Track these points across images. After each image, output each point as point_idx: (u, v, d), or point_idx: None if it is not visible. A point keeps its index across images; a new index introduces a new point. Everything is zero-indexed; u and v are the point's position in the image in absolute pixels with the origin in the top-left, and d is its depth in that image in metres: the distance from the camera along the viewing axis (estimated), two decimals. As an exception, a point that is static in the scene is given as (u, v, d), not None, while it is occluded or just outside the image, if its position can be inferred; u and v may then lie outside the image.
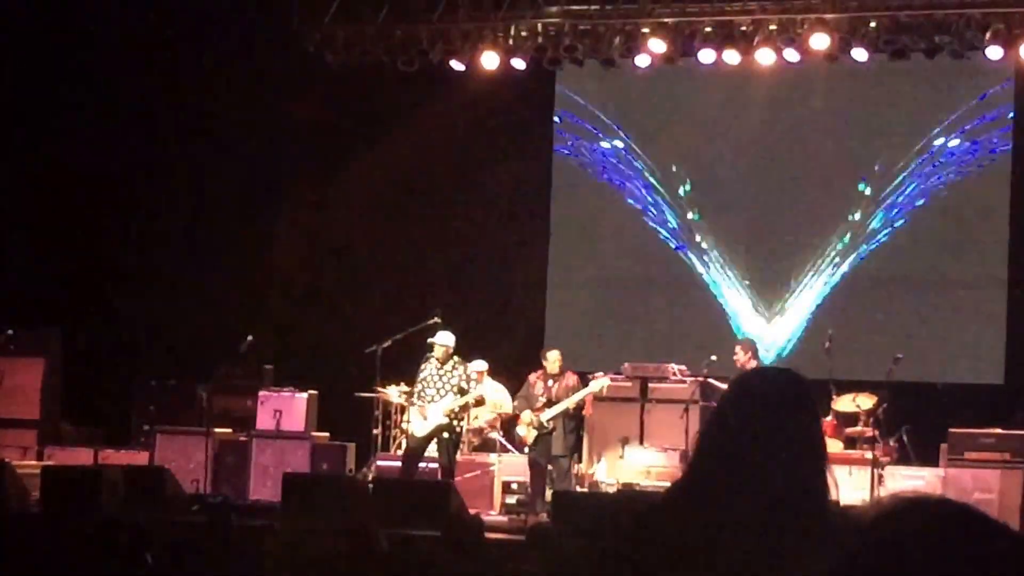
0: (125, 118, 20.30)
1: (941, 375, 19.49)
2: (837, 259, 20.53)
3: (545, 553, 9.20)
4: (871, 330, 19.85)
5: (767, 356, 19.51)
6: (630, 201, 21.43)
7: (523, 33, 19.63)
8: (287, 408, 18.66)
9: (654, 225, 21.32)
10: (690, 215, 21.19)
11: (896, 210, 20.34)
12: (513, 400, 18.02)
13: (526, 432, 17.27)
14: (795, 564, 2.84)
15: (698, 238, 21.13)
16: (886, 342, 18.85)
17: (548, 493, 16.63)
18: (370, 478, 17.39)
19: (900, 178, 20.29)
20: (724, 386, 16.53)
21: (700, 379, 18.00)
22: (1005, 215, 19.77)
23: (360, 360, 17.91)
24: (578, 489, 17.34)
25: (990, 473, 16.51)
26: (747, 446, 3.17)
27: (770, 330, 20.63)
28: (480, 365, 18.15)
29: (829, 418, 16.82)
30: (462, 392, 16.88)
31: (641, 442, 17.91)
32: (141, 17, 19.74)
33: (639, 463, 17.70)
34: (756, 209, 20.96)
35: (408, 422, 17.40)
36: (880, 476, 16.27)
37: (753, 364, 17.00)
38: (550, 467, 17.21)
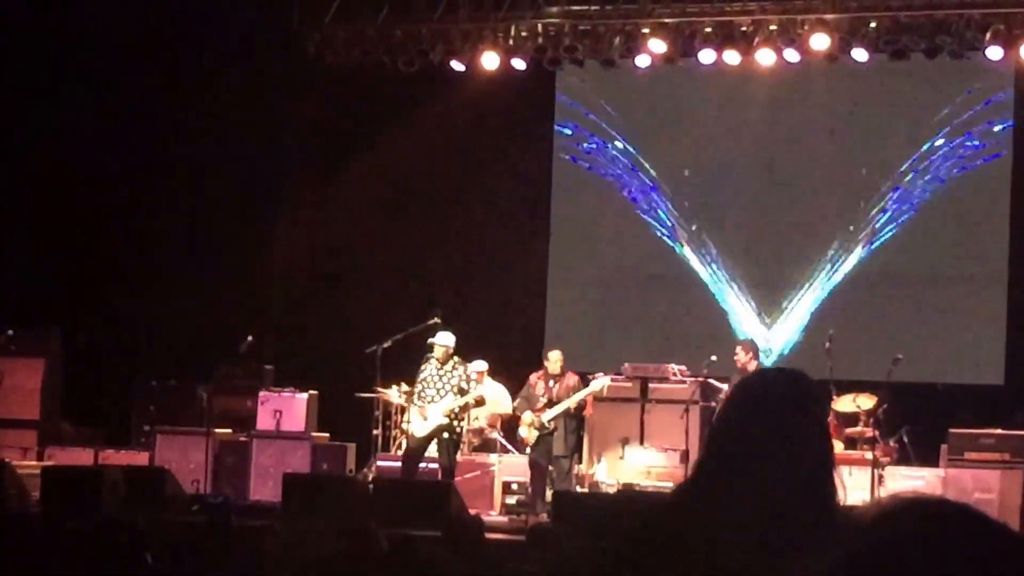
0: (125, 118, 20.29)
1: (941, 375, 19.49)
2: (837, 259, 20.53)
3: (545, 553, 9.20)
4: (871, 330, 19.85)
5: (768, 356, 19.51)
6: (630, 201, 21.42)
7: (523, 33, 19.64)
8: (287, 408, 18.66)
9: (654, 225, 21.32)
10: (690, 215, 21.19)
11: (896, 210, 20.33)
12: (514, 400, 18.03)
13: (528, 433, 17.27)
14: (801, 565, 2.84)
15: (698, 238, 21.12)
16: (886, 342, 18.84)
17: (548, 493, 16.64)
18: (370, 478, 17.40)
19: (900, 179, 20.29)
20: (724, 386, 16.64)
21: (700, 379, 18.01)
22: (1005, 215, 19.77)
23: (360, 360, 17.90)
24: (578, 489, 17.34)
25: (990, 473, 16.51)
26: (754, 447, 3.17)
27: (770, 330, 20.63)
28: (480, 365, 18.15)
29: (829, 418, 16.80)
30: (462, 392, 16.87)
31: (641, 442, 17.91)
32: (141, 17, 19.73)
33: (639, 463, 17.70)
34: (756, 209, 20.95)
35: (408, 422, 17.40)
36: (880, 476, 16.27)
37: (754, 365, 17.00)
38: (551, 467, 17.21)
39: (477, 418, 18.48)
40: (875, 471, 16.19)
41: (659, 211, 21.31)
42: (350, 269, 21.46)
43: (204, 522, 11.08)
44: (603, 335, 21.12)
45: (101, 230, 20.80)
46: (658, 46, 19.14)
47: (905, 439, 17.17)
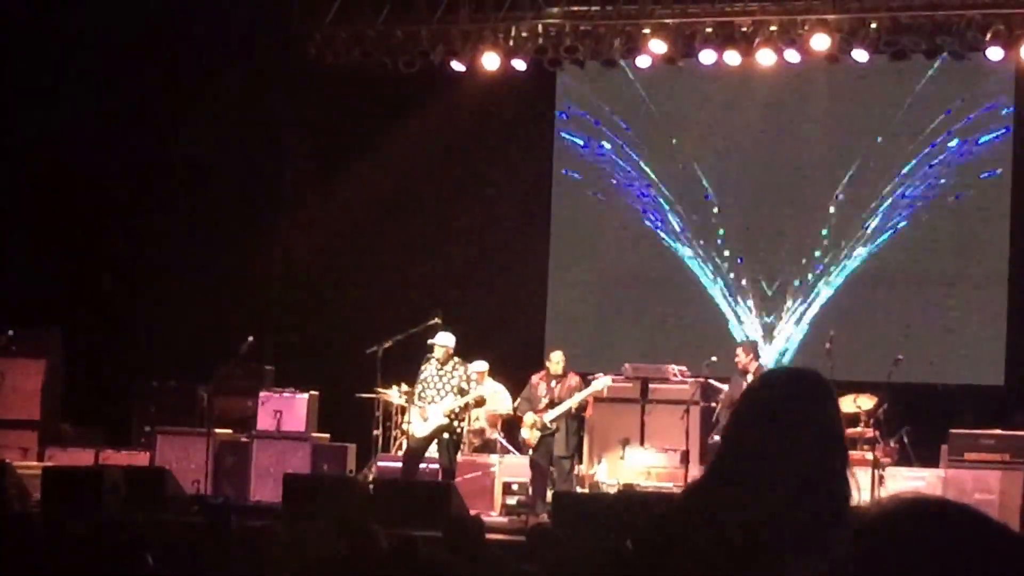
0: (125, 118, 20.28)
1: (941, 376, 19.50)
2: (838, 260, 20.53)
3: (546, 554, 9.20)
4: (872, 331, 19.86)
5: (768, 357, 19.50)
6: (630, 202, 21.42)
7: (524, 34, 19.65)
8: (288, 409, 18.65)
9: (654, 226, 21.32)
10: (690, 216, 21.19)
11: (896, 211, 20.33)
12: (514, 401, 18.03)
13: (530, 434, 17.27)
14: (802, 566, 2.84)
15: (699, 239, 21.12)
16: (887, 343, 18.85)
17: (549, 494, 16.63)
18: (371, 479, 17.40)
19: (900, 179, 20.28)
20: (724, 387, 16.64)
21: (701, 380, 18.02)
22: (1006, 216, 19.77)
23: (361, 361, 17.90)
24: (579, 490, 17.34)
25: (990, 474, 16.52)
26: (768, 447, 3.17)
27: (771, 331, 20.63)
28: (481, 366, 18.15)
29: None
30: (462, 393, 16.87)
31: (642, 443, 17.91)
32: (141, 17, 19.72)
33: (640, 464, 17.70)
34: (756, 210, 20.96)
35: (409, 423, 17.40)
36: (881, 477, 16.28)
37: (755, 366, 17.01)
38: (552, 468, 17.21)
39: (478, 418, 18.48)
40: (875, 472, 16.19)
41: (659, 212, 21.31)
42: (350, 269, 21.46)
43: (204, 523, 11.06)
44: (603, 335, 21.12)
45: (101, 230, 20.80)
46: (659, 47, 19.15)
47: (905, 440, 17.17)
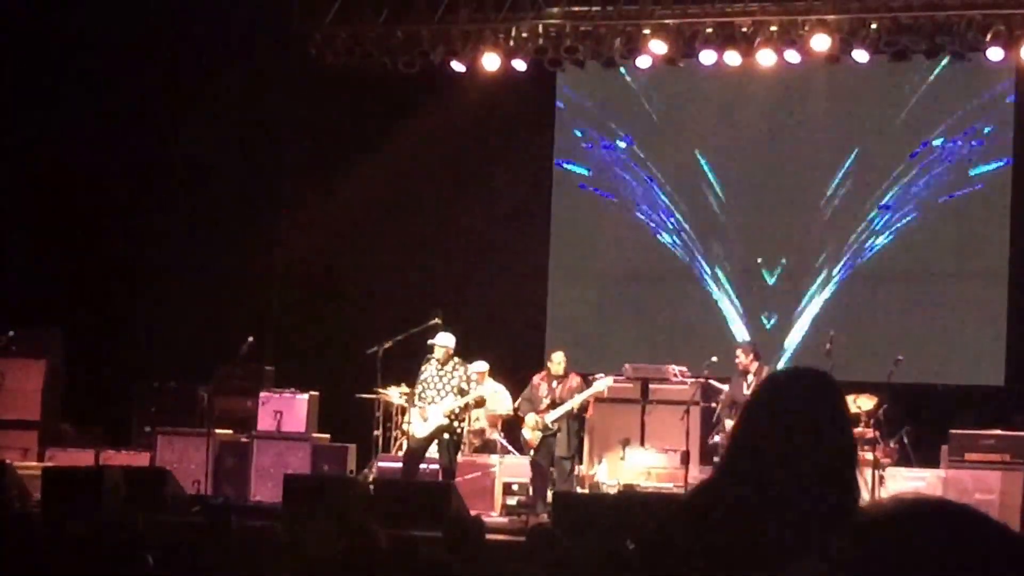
0: (125, 118, 20.29)
1: (942, 376, 19.49)
2: (838, 261, 20.52)
3: (546, 554, 9.19)
4: (872, 331, 19.85)
5: (768, 358, 19.49)
6: (630, 202, 21.42)
7: (524, 34, 19.64)
8: (288, 409, 18.66)
9: (655, 226, 21.32)
10: (691, 216, 21.18)
11: (897, 211, 20.32)
12: (514, 401, 18.03)
13: (531, 435, 17.27)
14: (804, 566, 2.84)
15: (699, 239, 21.12)
16: (887, 344, 18.84)
17: (549, 494, 16.63)
18: (371, 479, 17.40)
19: (900, 179, 20.28)
20: (725, 387, 16.63)
21: (701, 380, 18.02)
22: (1006, 216, 19.77)
23: (361, 361, 17.90)
24: (579, 490, 17.34)
25: (990, 474, 16.52)
26: (776, 446, 3.16)
27: (771, 332, 20.63)
28: (481, 366, 18.15)
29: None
30: (462, 393, 16.87)
31: (642, 443, 17.90)
32: (141, 17, 19.73)
33: (640, 464, 17.70)
34: (757, 210, 20.95)
35: (409, 423, 17.39)
36: (881, 477, 16.28)
37: (755, 366, 17.03)
38: (552, 469, 17.21)
39: (478, 419, 18.48)
40: (876, 472, 16.19)
41: (660, 212, 21.30)
42: (351, 270, 21.46)
43: (204, 523, 11.06)
44: (604, 336, 21.12)
45: (101, 230, 20.80)
46: (659, 47, 19.14)
47: (905, 440, 17.17)
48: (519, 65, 19.85)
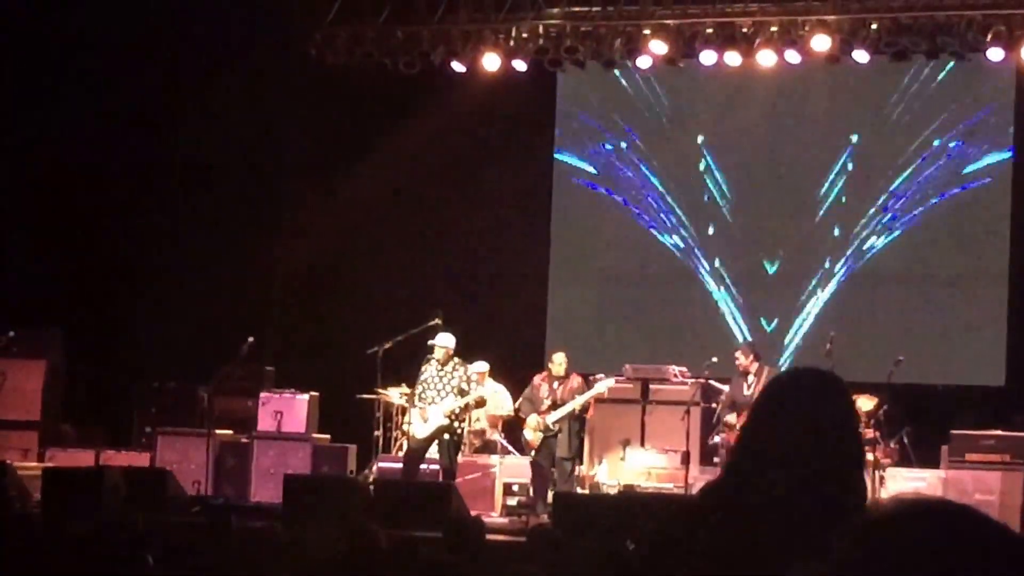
0: (125, 118, 20.29)
1: (942, 377, 19.49)
2: (838, 261, 20.53)
3: (546, 555, 9.19)
4: (872, 332, 19.86)
5: (768, 358, 19.48)
6: (631, 202, 21.42)
7: (524, 35, 19.64)
8: (288, 410, 18.66)
9: (655, 226, 21.32)
10: (691, 216, 21.19)
11: (897, 212, 20.33)
12: (515, 402, 18.03)
13: (533, 436, 17.28)
14: (804, 567, 2.84)
15: (700, 239, 21.12)
16: (887, 344, 18.84)
17: (549, 495, 16.63)
18: (371, 480, 17.40)
19: (901, 180, 20.29)
20: (725, 388, 16.62)
21: (701, 381, 18.01)
22: (1006, 216, 19.77)
23: (361, 362, 17.90)
24: (579, 491, 17.34)
25: (991, 475, 16.52)
26: (784, 447, 3.16)
27: (771, 332, 20.63)
28: (481, 366, 18.16)
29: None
30: (462, 393, 16.87)
31: (642, 444, 17.91)
32: (141, 17, 19.72)
33: (640, 465, 17.70)
34: (757, 210, 20.95)
35: (409, 424, 17.39)
36: (881, 478, 16.27)
37: (755, 366, 17.02)
38: (553, 469, 17.21)
39: (478, 419, 18.48)
40: (876, 473, 16.18)
41: (660, 212, 21.31)
42: (351, 270, 21.46)
43: (205, 523, 11.06)
44: (604, 336, 21.13)
45: (101, 230, 20.80)
46: (659, 47, 19.13)
47: (906, 440, 17.17)
48: (519, 65, 19.85)
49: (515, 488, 17.61)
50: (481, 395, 17.40)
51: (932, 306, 20.06)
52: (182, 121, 20.32)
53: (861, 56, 18.62)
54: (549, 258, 21.68)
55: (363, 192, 21.00)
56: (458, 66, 19.97)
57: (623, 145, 21.48)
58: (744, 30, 18.93)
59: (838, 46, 18.51)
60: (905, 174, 20.26)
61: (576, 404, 17.22)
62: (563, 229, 21.74)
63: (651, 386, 18.35)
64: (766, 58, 18.91)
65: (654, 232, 21.32)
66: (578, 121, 21.70)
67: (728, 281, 20.97)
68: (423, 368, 17.06)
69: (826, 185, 20.63)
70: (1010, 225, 19.72)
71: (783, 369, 18.87)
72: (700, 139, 21.19)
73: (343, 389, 18.73)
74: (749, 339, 19.42)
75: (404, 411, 18.12)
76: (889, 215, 20.33)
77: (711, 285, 21.04)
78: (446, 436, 16.84)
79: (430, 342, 17.16)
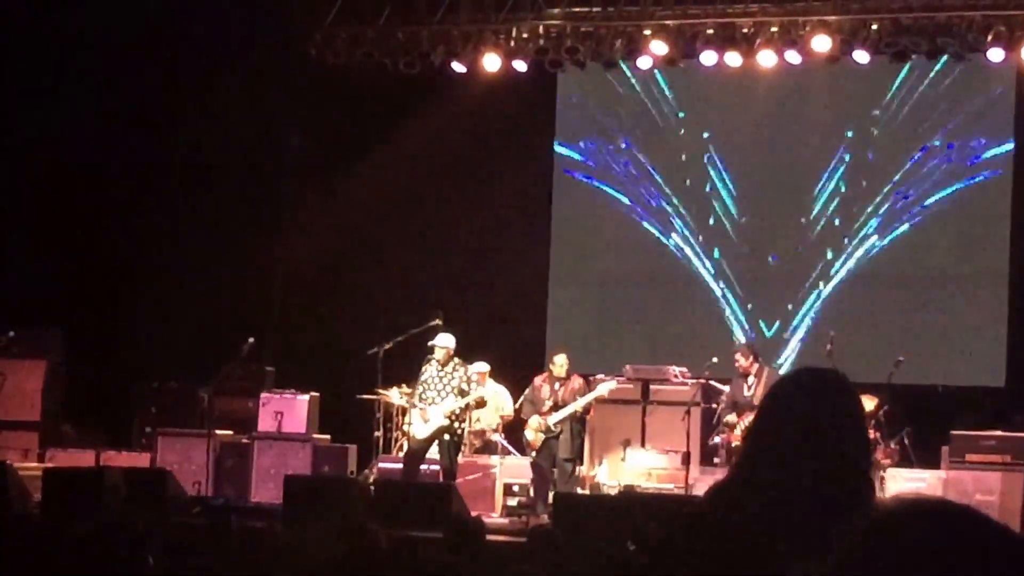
0: (125, 118, 20.28)
1: (942, 377, 19.48)
2: (839, 261, 20.52)
3: (546, 555, 9.19)
4: (872, 332, 19.84)
5: (769, 359, 19.48)
6: (631, 202, 21.42)
7: (524, 35, 19.64)
8: (288, 410, 18.65)
9: (655, 227, 21.31)
10: (691, 216, 21.18)
11: (897, 212, 20.32)
12: (516, 403, 18.03)
13: (534, 437, 17.28)
14: (805, 567, 2.84)
15: (700, 239, 21.11)
16: (887, 344, 18.83)
17: (550, 496, 16.63)
18: (371, 480, 17.39)
19: (901, 180, 20.28)
20: (726, 388, 16.61)
21: (701, 381, 18.01)
22: (1007, 217, 19.76)
23: (361, 362, 17.90)
24: (579, 491, 17.34)
25: (991, 475, 16.51)
26: (791, 447, 3.16)
27: (771, 332, 20.62)
28: (482, 367, 18.16)
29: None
30: (462, 394, 16.87)
31: (643, 444, 17.91)
32: (141, 17, 19.72)
33: (640, 465, 17.70)
34: (757, 210, 20.95)
35: (409, 424, 17.39)
36: (881, 479, 16.26)
37: (755, 368, 17.02)
38: (554, 470, 17.21)
39: (479, 420, 18.48)
40: (876, 473, 16.18)
41: (660, 213, 21.30)
42: (351, 270, 21.46)
43: (205, 524, 11.07)
44: (604, 337, 21.12)
45: (101, 230, 20.80)
46: (659, 48, 19.13)
47: (906, 441, 17.16)
48: (520, 66, 19.85)
49: (515, 488, 17.60)
50: (481, 395, 17.40)
51: (932, 306, 20.05)
52: (182, 121, 20.32)
53: (861, 56, 18.62)
54: (549, 258, 21.68)
55: (363, 192, 20.99)
56: (458, 66, 19.97)
57: (623, 145, 21.48)
58: (744, 30, 18.93)
59: (838, 46, 18.51)
60: (906, 174, 20.24)
61: (578, 406, 17.22)
62: (563, 229, 21.74)
63: (651, 386, 18.35)
64: (766, 58, 18.90)
65: (654, 232, 21.31)
66: (579, 122, 21.69)
67: (728, 281, 20.96)
68: (423, 368, 17.06)
69: (827, 185, 20.61)
70: (1010, 225, 19.71)
71: (783, 370, 18.95)
72: (701, 139, 21.18)
73: (343, 389, 18.73)
74: (748, 340, 19.41)
75: (404, 412, 18.12)
76: (890, 215, 20.32)
77: (711, 285, 21.03)
78: (446, 437, 16.85)
79: (431, 343, 17.16)
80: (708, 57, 19.12)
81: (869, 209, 20.39)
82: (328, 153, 21.38)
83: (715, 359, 17.72)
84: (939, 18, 18.20)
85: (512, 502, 17.52)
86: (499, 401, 18.57)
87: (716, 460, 17.17)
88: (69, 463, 17.89)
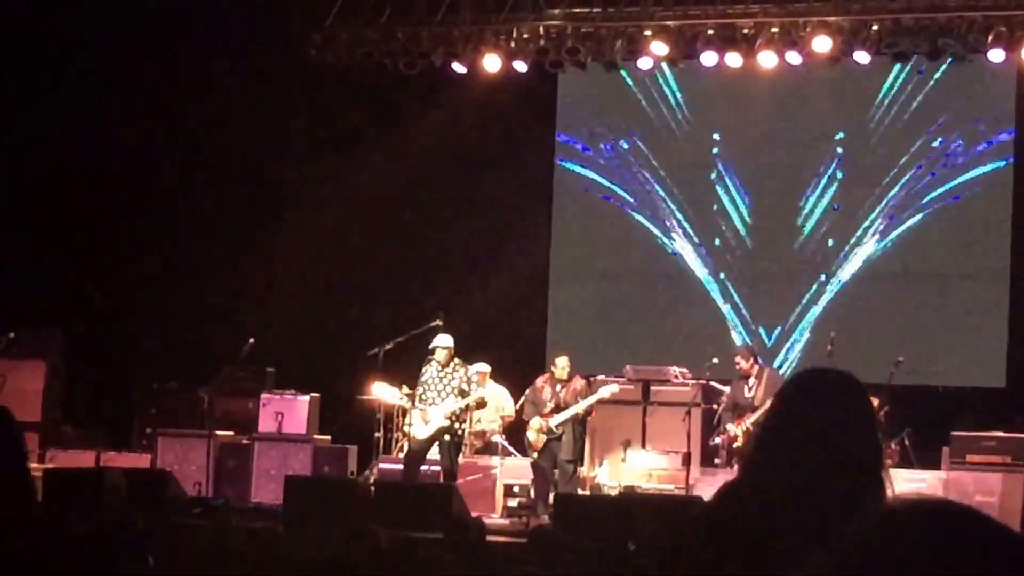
0: (125, 118, 20.29)
1: (943, 378, 19.49)
2: (839, 261, 20.52)
3: (547, 556, 9.19)
4: (873, 333, 19.84)
5: (769, 360, 19.49)
6: (631, 202, 21.42)
7: (525, 35, 19.63)
8: (289, 411, 18.65)
9: (656, 227, 21.31)
10: (692, 216, 21.18)
11: (898, 213, 20.32)
12: (517, 404, 18.03)
13: (536, 438, 17.27)
14: (805, 567, 2.83)
15: (700, 240, 21.11)
16: (888, 345, 18.83)
17: (551, 496, 16.63)
18: (372, 481, 17.38)
19: (901, 180, 20.28)
20: (726, 389, 16.60)
21: (702, 382, 18.00)
22: (1007, 218, 19.77)
23: (362, 363, 17.90)
24: (580, 492, 17.34)
25: (991, 476, 16.50)
26: (801, 447, 3.16)
27: (771, 333, 20.62)
28: (482, 367, 18.16)
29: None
30: (463, 394, 16.86)
31: (643, 445, 17.90)
32: (141, 17, 19.72)
33: (641, 466, 17.69)
34: (758, 210, 20.95)
35: (410, 425, 17.38)
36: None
37: (756, 369, 17.02)
38: (555, 471, 17.21)
39: (479, 420, 18.47)
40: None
41: (660, 213, 21.30)
42: (351, 271, 21.45)
43: (205, 524, 11.06)
44: (605, 337, 21.12)
45: (101, 230, 20.80)
46: (660, 48, 19.12)
47: (906, 442, 17.16)
48: (520, 66, 19.84)
49: (516, 489, 17.60)
50: (482, 396, 17.40)
51: (933, 307, 20.06)
52: (182, 121, 20.32)
53: (862, 57, 18.62)
54: (550, 259, 21.68)
55: (363, 193, 20.99)
56: (459, 67, 19.96)
57: (624, 145, 21.48)
58: (745, 31, 18.92)
59: (839, 47, 18.50)
60: (906, 175, 20.24)
61: (580, 408, 17.22)
62: (564, 229, 21.74)
63: (652, 387, 18.34)
64: (767, 59, 18.89)
65: (654, 232, 21.31)
66: (579, 122, 21.69)
67: (728, 282, 20.96)
68: (424, 369, 17.05)
69: (827, 185, 20.61)
70: (1010, 225, 19.72)
71: (783, 370, 18.97)
72: (702, 140, 21.18)
73: (344, 390, 18.72)
74: (748, 341, 19.42)
75: (405, 412, 18.11)
76: (890, 216, 20.32)
77: (712, 286, 21.03)
78: (447, 437, 16.84)
79: (432, 344, 17.15)
80: (708, 58, 19.11)
81: (870, 208, 20.38)
82: (328, 153, 21.37)
83: (715, 359, 17.72)
84: (940, 19, 18.19)
85: (513, 503, 17.52)
86: (499, 402, 18.57)
87: (717, 461, 17.18)
88: (69, 464, 17.88)
